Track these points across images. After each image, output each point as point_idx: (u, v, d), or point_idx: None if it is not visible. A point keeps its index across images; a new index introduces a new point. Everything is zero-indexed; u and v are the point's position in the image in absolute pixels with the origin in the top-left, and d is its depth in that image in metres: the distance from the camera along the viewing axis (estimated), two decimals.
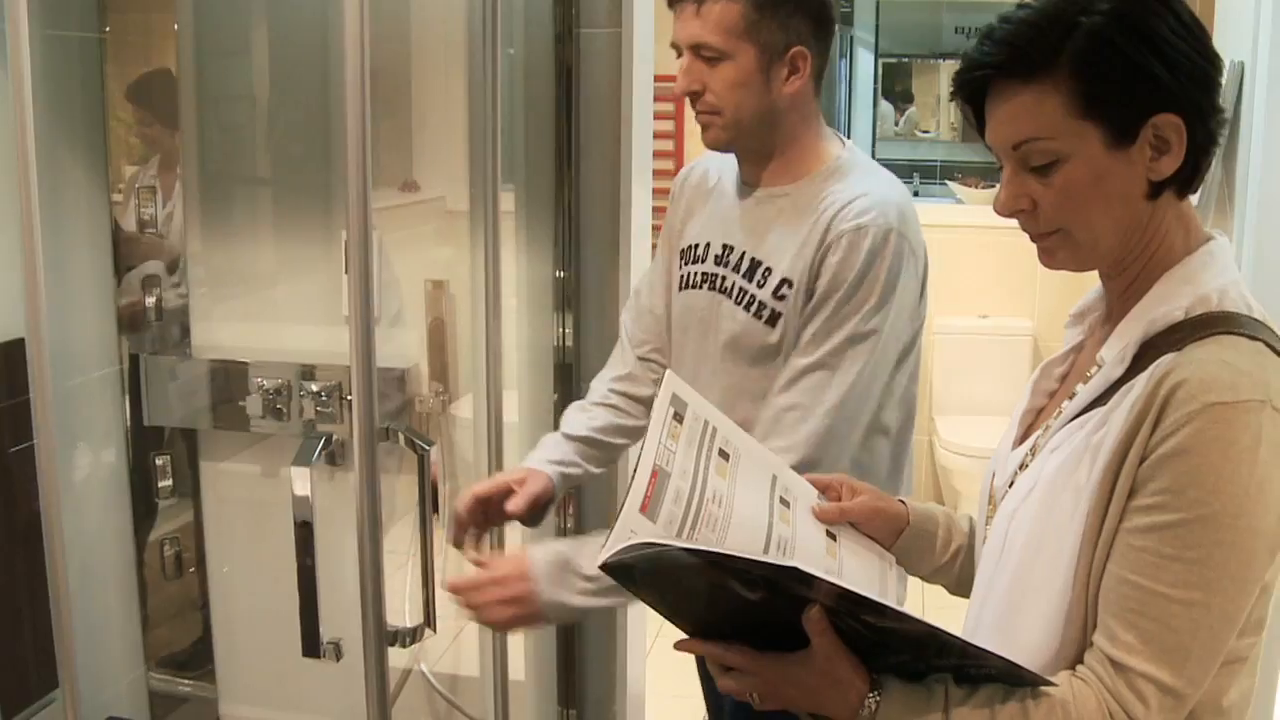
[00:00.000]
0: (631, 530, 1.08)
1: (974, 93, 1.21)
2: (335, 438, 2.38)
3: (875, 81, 6.46)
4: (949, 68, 6.47)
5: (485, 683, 2.45)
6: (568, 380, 2.44)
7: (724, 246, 1.85)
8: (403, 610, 2.24)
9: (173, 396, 2.58)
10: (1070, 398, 1.24)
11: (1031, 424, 1.34)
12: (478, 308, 2.22)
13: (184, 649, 2.82)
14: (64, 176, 2.42)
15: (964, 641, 1.07)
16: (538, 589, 1.62)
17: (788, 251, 1.75)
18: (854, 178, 1.78)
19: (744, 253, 1.81)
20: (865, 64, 6.47)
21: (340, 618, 2.17)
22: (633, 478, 1.15)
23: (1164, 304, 1.18)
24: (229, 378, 2.55)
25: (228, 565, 2.68)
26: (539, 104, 2.42)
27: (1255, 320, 1.16)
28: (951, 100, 1.23)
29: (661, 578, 1.07)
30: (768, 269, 1.77)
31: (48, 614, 2.45)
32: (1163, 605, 1.07)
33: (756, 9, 1.70)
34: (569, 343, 2.45)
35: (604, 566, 1.05)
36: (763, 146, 1.80)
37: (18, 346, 2.34)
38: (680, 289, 1.92)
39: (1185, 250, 1.21)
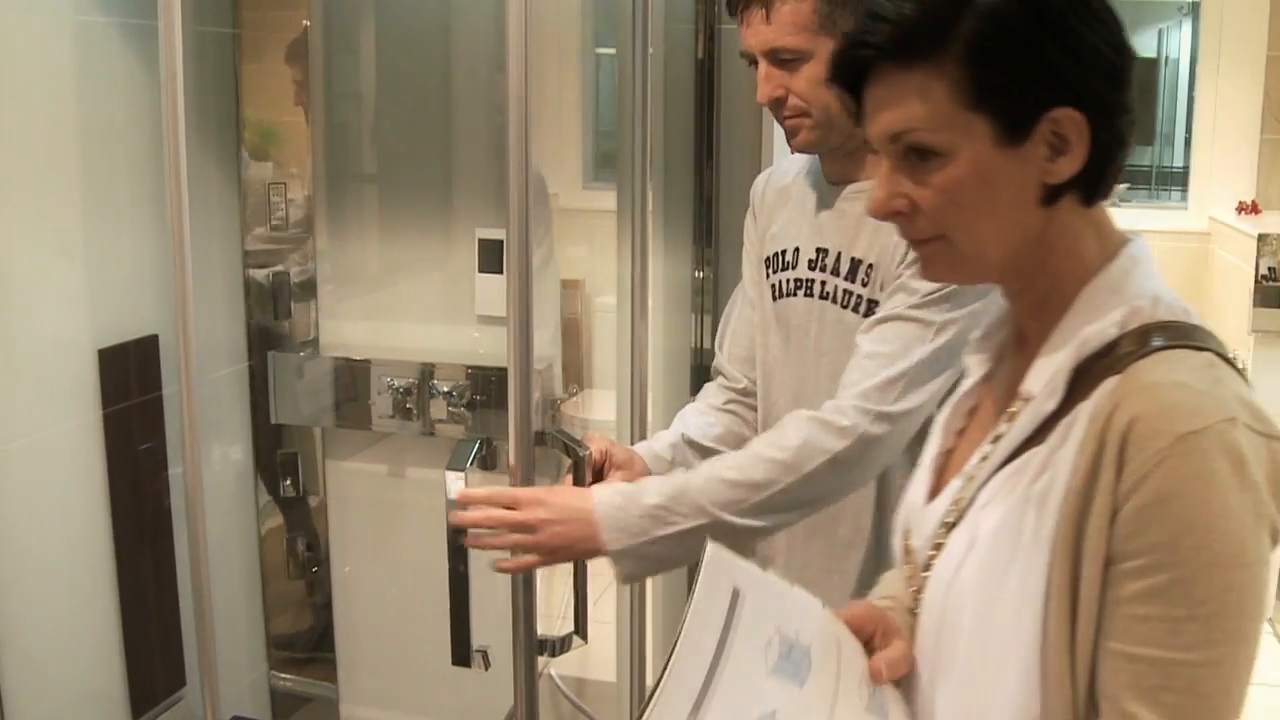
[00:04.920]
0: None
1: (855, 77, 1.05)
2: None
3: None
4: None
5: (620, 689, 2.41)
6: (704, 382, 2.40)
7: (817, 250, 1.75)
8: (550, 618, 2.20)
9: (299, 394, 2.57)
10: (994, 440, 1.08)
11: (944, 469, 1.18)
12: (622, 307, 2.18)
13: (306, 648, 2.82)
14: (197, 172, 2.41)
15: None
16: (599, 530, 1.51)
17: (887, 245, 1.67)
18: None
19: (839, 254, 1.72)
20: None
21: (479, 624, 2.14)
22: (665, 673, 0.97)
23: (1092, 320, 1.03)
24: (353, 376, 2.54)
25: (349, 565, 2.67)
26: (678, 101, 2.38)
27: (1197, 327, 1.01)
28: (828, 85, 1.10)
29: None
30: (870, 266, 1.69)
31: (175, 613, 2.45)
32: (1188, 673, 0.92)
33: (828, 2, 1.61)
34: (706, 344, 2.39)
35: None
36: (850, 140, 1.69)
37: (150, 344, 2.34)
38: (775, 299, 1.82)
39: (1103, 257, 1.06)
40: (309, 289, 2.61)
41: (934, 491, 1.15)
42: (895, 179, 1.04)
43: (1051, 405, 1.02)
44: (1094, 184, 1.04)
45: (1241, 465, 0.92)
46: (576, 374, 2.39)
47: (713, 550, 1.04)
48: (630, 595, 2.25)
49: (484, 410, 2.44)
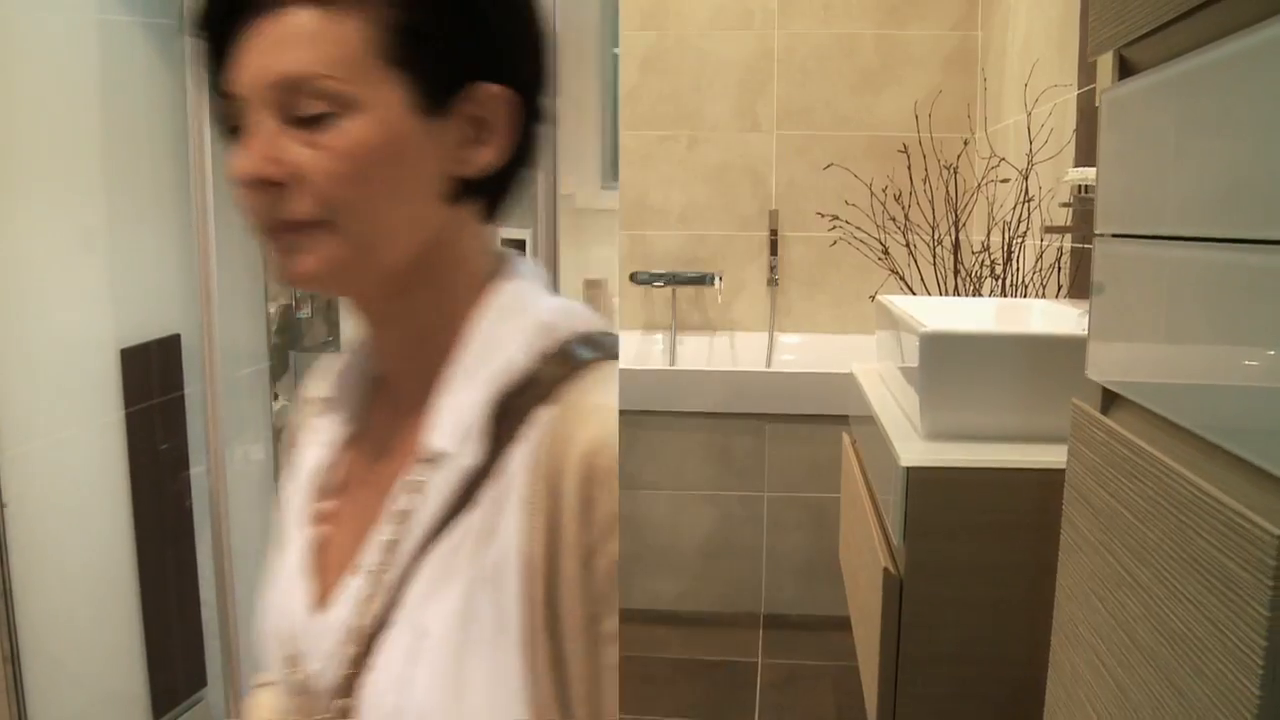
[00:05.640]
0: None
1: (232, 18, 0.83)
2: None
3: None
4: None
5: None
6: None
7: None
8: None
9: None
10: (400, 520, 0.86)
11: (323, 566, 0.93)
12: None
13: None
14: (217, 171, 2.41)
15: None
16: None
17: None
18: None
19: None
20: None
21: None
22: None
23: (501, 347, 0.85)
24: None
25: None
26: None
27: (614, 335, 0.88)
28: (196, 33, 0.85)
29: None
30: None
31: (197, 613, 2.45)
32: None
33: None
34: None
35: None
36: None
37: (172, 343, 2.33)
38: None
39: (490, 274, 0.90)
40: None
41: (321, 596, 0.91)
42: (275, 141, 0.82)
43: (472, 459, 0.84)
44: (501, 192, 0.91)
45: None
46: None
47: None
48: None
49: None
